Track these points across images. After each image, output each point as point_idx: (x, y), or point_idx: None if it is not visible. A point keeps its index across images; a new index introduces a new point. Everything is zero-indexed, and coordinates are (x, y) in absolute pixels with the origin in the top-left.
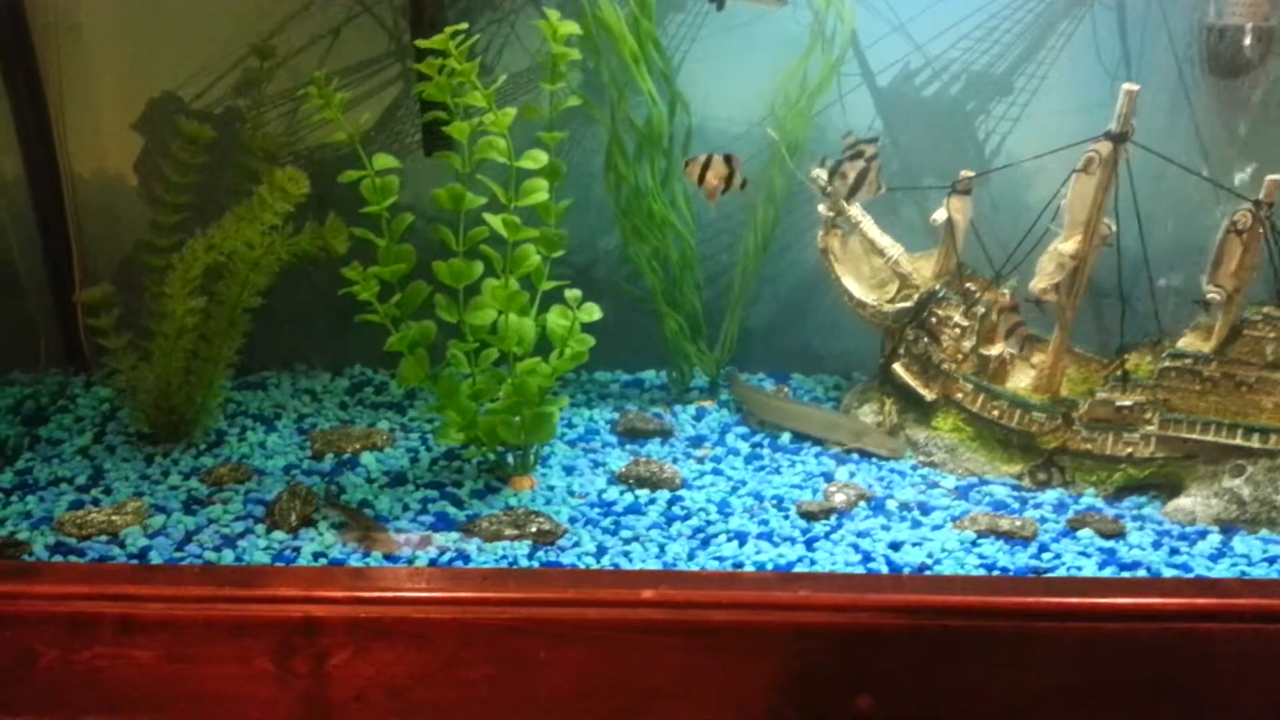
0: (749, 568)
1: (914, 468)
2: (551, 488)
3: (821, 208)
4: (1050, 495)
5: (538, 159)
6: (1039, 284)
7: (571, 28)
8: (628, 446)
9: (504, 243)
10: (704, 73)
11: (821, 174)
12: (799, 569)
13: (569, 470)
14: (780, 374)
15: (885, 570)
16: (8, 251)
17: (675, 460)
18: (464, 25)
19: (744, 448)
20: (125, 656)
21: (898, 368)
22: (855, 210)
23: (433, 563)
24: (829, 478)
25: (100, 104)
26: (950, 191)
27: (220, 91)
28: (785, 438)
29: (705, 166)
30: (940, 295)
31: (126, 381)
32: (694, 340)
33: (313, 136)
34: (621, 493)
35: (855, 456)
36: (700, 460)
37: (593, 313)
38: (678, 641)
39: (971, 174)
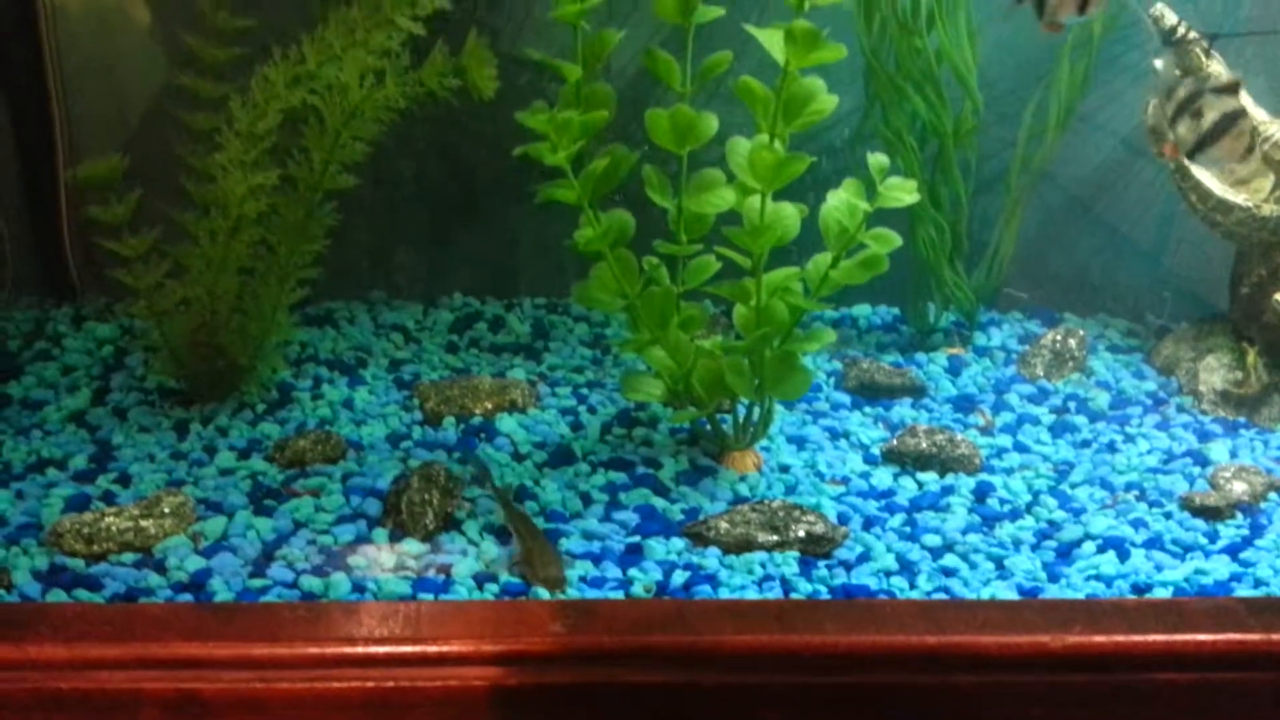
0: (1159, 592)
1: None
2: (785, 467)
3: (1159, 63)
4: None
5: None
6: None
7: None
8: (867, 409)
9: (772, 71)
10: None
11: (1168, 11)
12: (1241, 592)
13: (798, 442)
14: (1045, 311)
15: None
16: None
17: (946, 428)
18: None
19: (1043, 414)
20: None
21: None
22: (1218, 67)
23: (662, 590)
24: (1202, 459)
25: None
26: None
27: None
28: (1102, 401)
29: None
30: None
31: (147, 310)
32: (952, 259)
33: None
34: (896, 476)
35: (1219, 430)
36: (984, 430)
37: (908, 192)
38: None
39: None
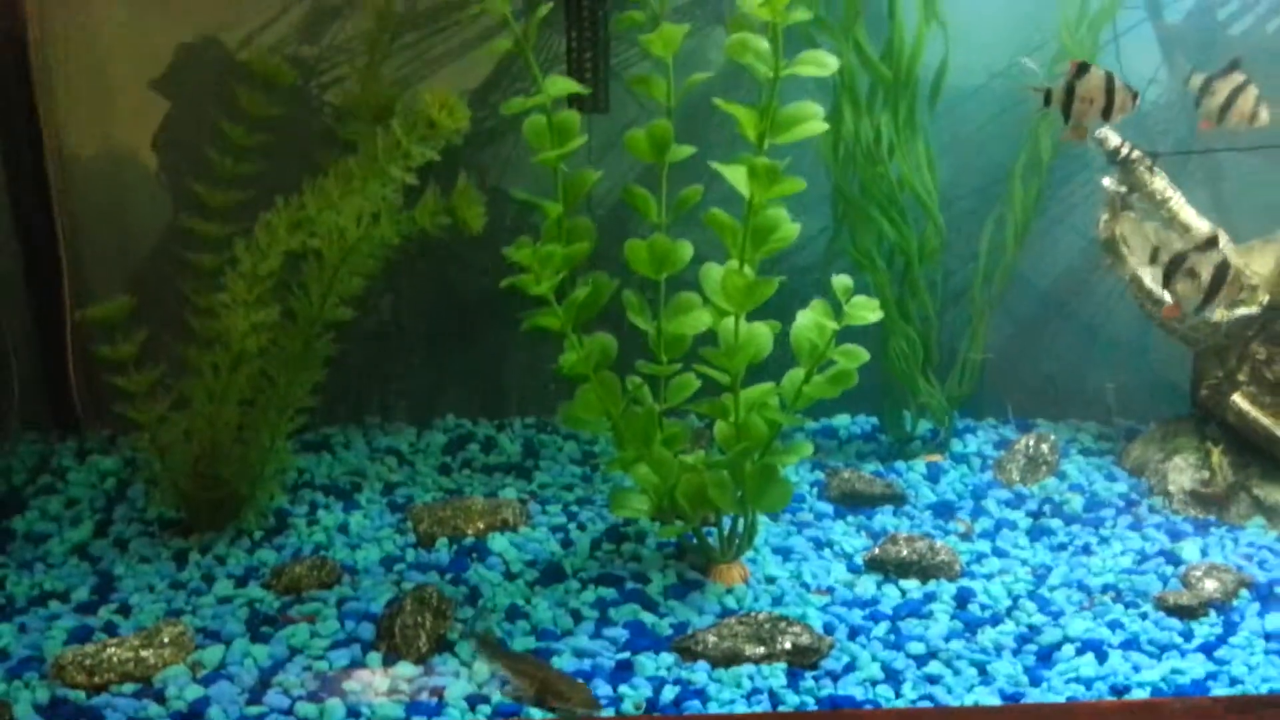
0: (1138, 693)
1: None
2: (771, 579)
3: (1108, 181)
4: None
5: (820, 62)
6: None
7: None
8: (849, 518)
9: (737, 205)
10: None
11: (1111, 134)
12: (1217, 691)
13: (783, 553)
14: (1021, 420)
15: None
16: None
17: (927, 535)
18: None
19: (1020, 519)
20: None
21: (1239, 401)
22: (1161, 183)
23: (652, 707)
24: (1173, 558)
25: (107, 54)
26: None
27: (271, 38)
28: (1076, 504)
29: (1071, 87)
30: None
31: (151, 443)
32: (924, 369)
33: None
34: (879, 584)
35: (1190, 529)
36: (964, 536)
37: (871, 311)
38: None
39: None
